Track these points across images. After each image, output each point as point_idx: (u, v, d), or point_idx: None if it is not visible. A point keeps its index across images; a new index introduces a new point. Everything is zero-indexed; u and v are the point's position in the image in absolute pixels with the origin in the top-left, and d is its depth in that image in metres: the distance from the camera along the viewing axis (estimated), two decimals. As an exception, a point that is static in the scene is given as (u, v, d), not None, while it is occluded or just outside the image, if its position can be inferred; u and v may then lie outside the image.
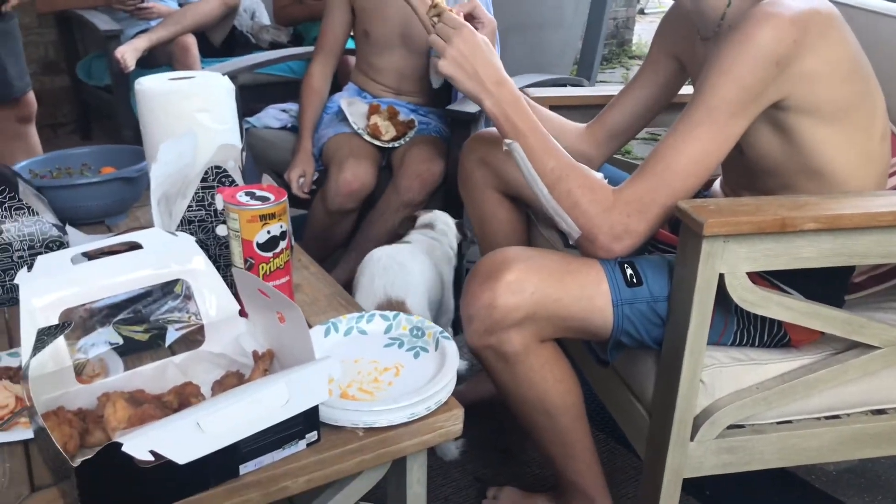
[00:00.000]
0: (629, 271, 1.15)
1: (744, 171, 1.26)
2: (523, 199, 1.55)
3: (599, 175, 1.21)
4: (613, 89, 1.65)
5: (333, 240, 2.06)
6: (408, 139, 2.02)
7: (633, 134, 1.51)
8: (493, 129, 1.60)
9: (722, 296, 1.09)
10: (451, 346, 1.04)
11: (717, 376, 1.17)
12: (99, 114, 3.56)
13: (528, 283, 1.11)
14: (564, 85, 2.05)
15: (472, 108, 1.91)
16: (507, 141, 1.19)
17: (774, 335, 1.22)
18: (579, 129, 1.55)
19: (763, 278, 1.20)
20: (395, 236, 1.90)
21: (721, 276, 1.08)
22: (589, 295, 1.14)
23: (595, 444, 1.29)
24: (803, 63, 1.06)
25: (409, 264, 1.61)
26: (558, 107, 1.72)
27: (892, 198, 1.17)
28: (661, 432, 1.16)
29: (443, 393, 0.97)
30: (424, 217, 1.78)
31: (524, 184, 1.50)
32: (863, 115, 1.16)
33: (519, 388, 1.20)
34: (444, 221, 1.78)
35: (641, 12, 7.83)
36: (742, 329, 1.21)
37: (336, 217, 1.99)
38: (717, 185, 1.44)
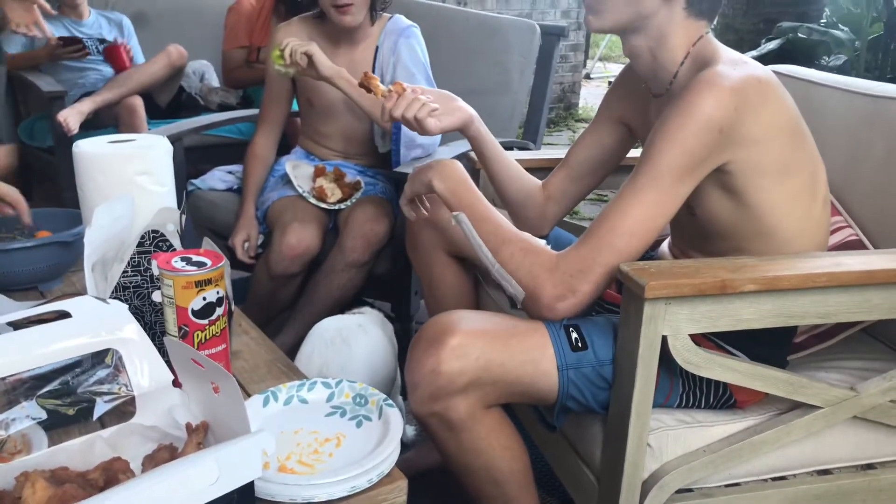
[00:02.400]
0: (574, 335, 1.14)
1: (695, 233, 1.29)
2: (471, 260, 1.55)
3: (542, 241, 1.24)
4: (559, 152, 1.67)
5: (277, 304, 2.02)
6: (354, 200, 2.02)
7: (580, 196, 1.52)
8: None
9: (667, 358, 1.09)
10: (394, 414, 1.02)
11: (664, 439, 1.16)
12: (41, 175, 3.47)
13: (472, 348, 1.10)
14: (511, 148, 2.08)
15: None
16: (454, 213, 1.26)
17: (720, 396, 1.22)
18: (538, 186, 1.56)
19: (709, 340, 1.21)
20: (340, 297, 1.88)
21: (665, 339, 1.08)
22: (534, 359, 1.13)
23: (544, 511, 1.26)
24: (745, 128, 1.10)
25: (355, 341, 1.55)
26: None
27: (827, 259, 1.20)
28: (609, 498, 1.14)
29: (385, 464, 0.94)
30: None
31: (467, 250, 1.51)
32: (806, 178, 1.20)
33: (465, 457, 1.17)
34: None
35: (587, 77, 8.09)
36: (688, 391, 1.21)
37: (280, 281, 1.96)
38: (665, 245, 1.45)
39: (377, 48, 2.02)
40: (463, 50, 2.47)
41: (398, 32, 2.01)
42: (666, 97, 1.23)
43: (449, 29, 2.51)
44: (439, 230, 1.54)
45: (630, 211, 1.11)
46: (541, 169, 1.63)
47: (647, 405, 1.11)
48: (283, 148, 2.30)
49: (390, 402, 1.05)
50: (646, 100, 1.32)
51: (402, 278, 1.99)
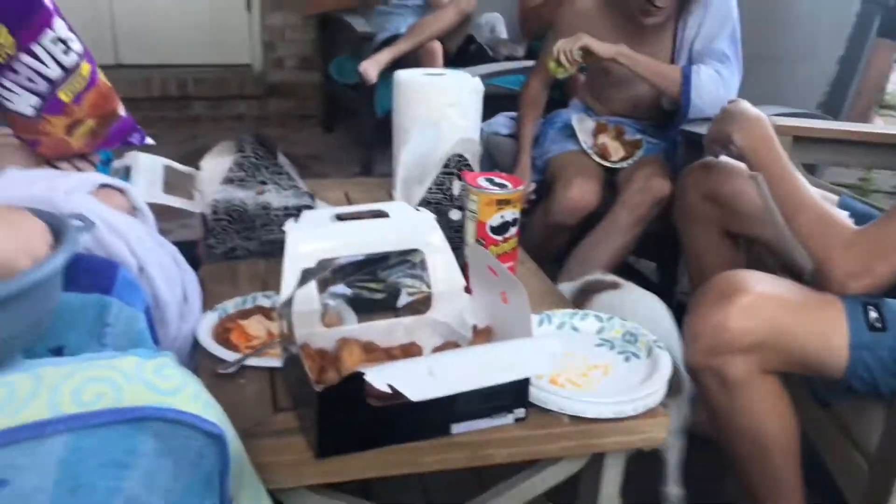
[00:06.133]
0: (873, 314, 1.07)
1: None
2: (754, 237, 1.49)
3: (844, 213, 1.17)
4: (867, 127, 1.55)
5: (548, 251, 2.09)
6: (635, 160, 2.01)
7: None
8: (725, 159, 1.56)
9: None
10: (664, 356, 1.04)
11: (955, 439, 1.07)
12: (344, 110, 3.86)
13: (763, 310, 1.08)
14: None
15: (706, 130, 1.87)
16: (752, 173, 1.24)
17: None
18: None
19: None
20: (621, 258, 1.88)
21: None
22: (825, 332, 1.08)
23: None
24: None
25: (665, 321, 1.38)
26: (801, 138, 1.65)
27: None
28: (882, 488, 1.08)
29: (652, 398, 0.97)
30: None
31: (755, 221, 1.46)
32: None
33: (734, 416, 1.15)
34: None
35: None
36: None
37: (555, 231, 2.02)
38: None
39: (683, 13, 1.96)
40: (769, 13, 2.34)
41: None
42: None
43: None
44: (719, 204, 1.50)
45: None
46: (843, 142, 1.53)
47: (942, 398, 1.02)
48: (558, 101, 2.33)
49: (660, 343, 1.07)
50: None
51: (671, 239, 1.96)
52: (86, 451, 0.63)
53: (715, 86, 1.86)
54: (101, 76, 1.15)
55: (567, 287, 1.44)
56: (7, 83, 1.07)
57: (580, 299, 1.36)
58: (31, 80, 1.07)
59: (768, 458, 1.16)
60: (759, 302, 1.08)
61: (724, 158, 1.53)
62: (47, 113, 1.11)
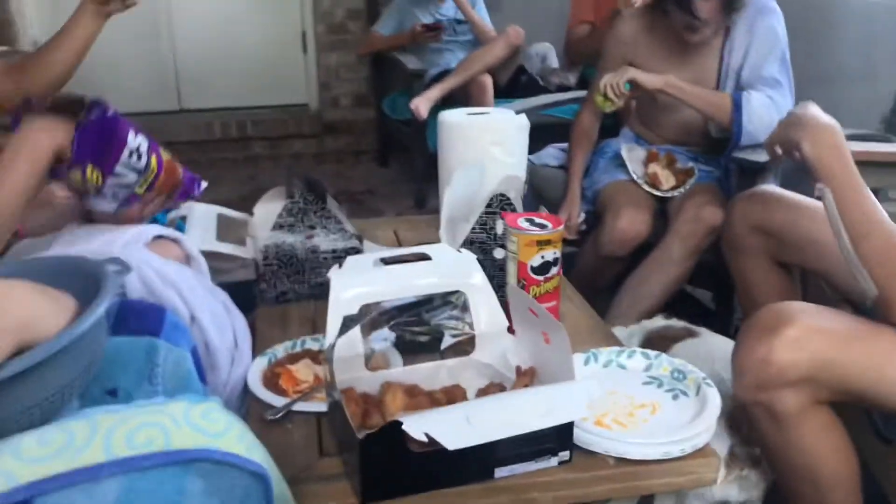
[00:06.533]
0: (932, 344, 1.03)
1: None
2: (807, 267, 1.46)
3: None
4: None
5: (601, 282, 2.07)
6: (687, 188, 1.99)
7: None
8: (773, 188, 1.54)
9: None
10: (712, 394, 1.02)
11: None
12: (398, 145, 3.93)
13: (810, 343, 1.05)
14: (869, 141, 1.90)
15: (761, 157, 1.84)
16: (819, 185, 1.15)
17: None
18: None
19: None
20: (674, 290, 1.86)
21: None
22: (879, 365, 1.04)
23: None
24: None
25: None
26: (860, 163, 1.60)
27: None
28: (949, 530, 1.03)
29: (701, 438, 0.95)
30: None
31: (808, 252, 1.42)
32: None
33: (788, 453, 1.12)
34: None
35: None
36: None
37: (606, 262, 2.00)
38: None
39: (728, 28, 1.94)
40: (823, 33, 2.30)
41: (756, 10, 1.91)
42: None
43: (814, 7, 2.34)
44: (768, 235, 1.46)
45: None
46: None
47: None
48: (611, 130, 2.33)
49: (709, 381, 1.05)
50: None
51: (727, 267, 1.93)
52: (139, 492, 0.67)
53: (767, 111, 1.83)
54: (165, 156, 1.21)
55: (622, 332, 1.43)
56: (94, 200, 1.16)
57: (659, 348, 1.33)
58: (114, 194, 1.16)
59: (825, 496, 1.12)
60: (805, 334, 1.05)
61: (772, 188, 1.51)
62: (123, 207, 1.19)
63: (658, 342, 1.40)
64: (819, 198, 1.14)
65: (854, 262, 1.09)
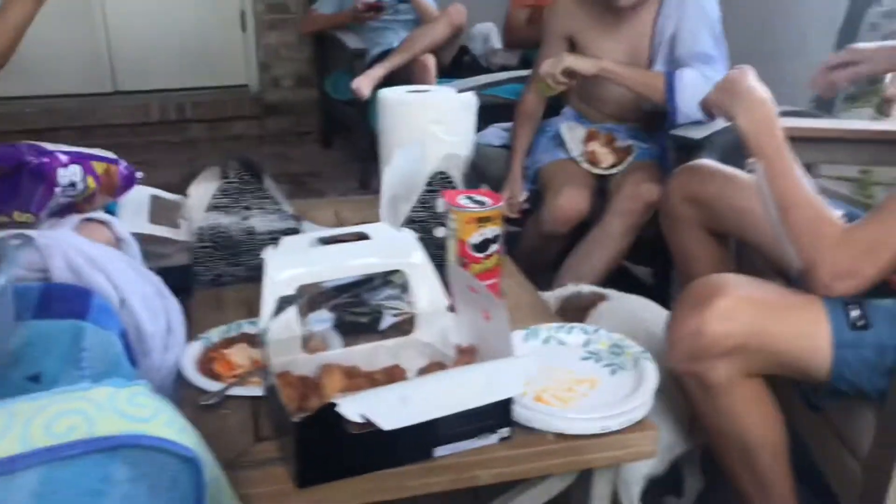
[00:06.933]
0: (855, 313, 1.06)
1: None
2: (738, 237, 1.49)
3: (838, 212, 1.15)
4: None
5: (543, 260, 2.09)
6: (626, 166, 2.01)
7: None
8: (708, 162, 1.56)
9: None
10: (650, 367, 1.03)
11: (950, 441, 1.05)
12: (341, 126, 3.88)
13: (741, 313, 1.07)
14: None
15: (697, 134, 1.86)
16: (751, 160, 1.19)
17: None
18: None
19: None
20: (615, 265, 1.89)
21: (965, 329, 0.97)
22: (807, 333, 1.07)
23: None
24: None
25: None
26: (792, 139, 1.63)
27: None
28: (875, 492, 1.06)
29: (638, 411, 0.96)
30: None
31: (738, 222, 1.46)
32: None
33: (719, 420, 1.15)
34: None
35: (900, 49, 7.13)
36: None
37: (548, 240, 2.02)
38: None
39: (660, 4, 1.97)
40: (759, 10, 2.33)
41: None
42: None
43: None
44: (701, 206, 1.49)
45: None
46: (837, 140, 1.52)
47: (934, 399, 1.01)
48: (554, 108, 2.34)
49: (647, 354, 1.06)
50: None
51: (665, 244, 1.96)
52: (60, 482, 0.64)
53: (700, 89, 1.84)
54: (100, 167, 1.22)
55: (550, 297, 1.45)
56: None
57: (573, 317, 1.35)
58: (51, 214, 1.14)
59: (756, 460, 1.15)
60: (736, 305, 1.07)
61: (707, 161, 1.54)
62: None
63: (572, 312, 1.43)
64: (752, 171, 1.17)
65: (781, 233, 1.12)
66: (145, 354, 1.03)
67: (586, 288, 1.52)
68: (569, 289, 1.53)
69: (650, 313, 1.43)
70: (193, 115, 4.02)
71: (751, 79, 1.23)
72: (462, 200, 1.11)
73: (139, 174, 1.34)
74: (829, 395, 1.12)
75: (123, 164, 1.29)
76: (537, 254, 2.06)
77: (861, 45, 1.71)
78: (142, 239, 1.30)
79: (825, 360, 1.07)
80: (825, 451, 1.20)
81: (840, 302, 1.08)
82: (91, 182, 1.18)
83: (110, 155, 1.28)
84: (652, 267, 2.17)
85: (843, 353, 1.05)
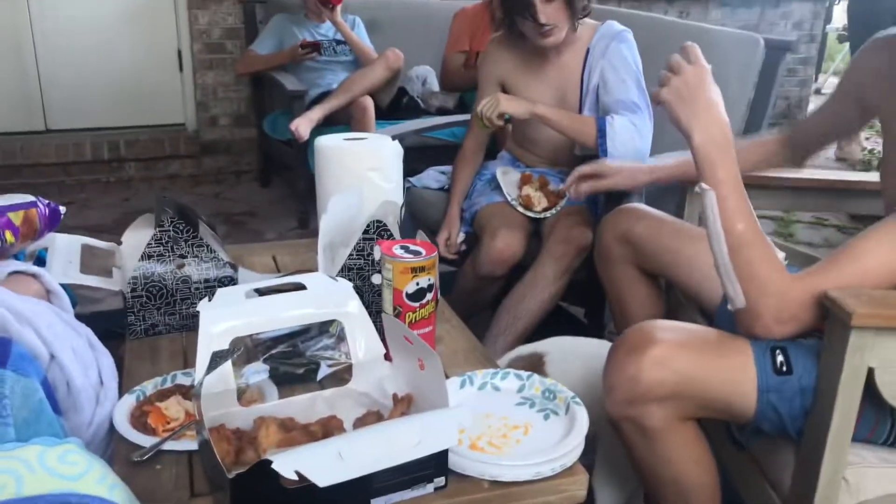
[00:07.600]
0: (780, 358, 1.11)
1: None
2: (664, 276, 1.55)
3: (781, 255, 1.19)
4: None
5: (480, 302, 2.12)
6: (559, 209, 2.06)
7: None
8: (638, 205, 1.63)
9: (874, 391, 1.05)
10: (581, 413, 1.06)
11: (863, 476, 1.11)
12: (280, 165, 3.87)
13: (674, 361, 1.10)
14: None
15: (625, 182, 1.93)
16: (702, 185, 1.12)
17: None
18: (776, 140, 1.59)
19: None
20: (549, 308, 1.94)
21: (871, 371, 1.03)
22: (735, 379, 1.11)
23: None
24: None
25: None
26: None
27: None
28: (796, 528, 1.11)
29: (569, 457, 0.99)
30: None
31: (666, 262, 1.51)
32: None
33: (655, 464, 1.18)
34: None
35: (817, 92, 7.52)
36: (897, 429, 1.14)
37: (485, 282, 2.06)
38: None
39: (588, 51, 2.05)
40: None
41: (610, 36, 2.03)
42: None
43: (666, 41, 2.49)
44: (632, 245, 1.55)
45: (879, 253, 1.06)
46: (753, 186, 1.58)
47: (845, 438, 1.06)
48: (491, 152, 2.40)
49: (577, 400, 1.09)
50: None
51: (598, 285, 2.01)
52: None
53: (630, 136, 1.93)
54: (18, 218, 1.22)
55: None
56: None
57: None
58: None
59: (689, 502, 1.19)
60: (669, 353, 1.11)
61: (637, 204, 1.60)
62: None
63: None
64: (699, 192, 1.12)
65: (728, 269, 1.10)
66: (76, 410, 1.01)
67: (524, 350, 1.56)
68: (508, 356, 1.58)
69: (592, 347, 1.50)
70: (128, 153, 3.95)
71: (710, 89, 1.14)
72: (397, 250, 1.13)
73: (62, 209, 1.33)
74: (753, 433, 1.16)
75: (43, 203, 1.28)
76: (474, 295, 2.09)
77: (608, 161, 1.85)
78: (75, 286, 1.28)
79: (751, 402, 1.11)
80: (750, 488, 1.25)
81: (767, 347, 1.13)
82: (9, 236, 1.19)
83: (27, 199, 1.26)
84: (585, 307, 2.23)
85: (767, 396, 1.10)
